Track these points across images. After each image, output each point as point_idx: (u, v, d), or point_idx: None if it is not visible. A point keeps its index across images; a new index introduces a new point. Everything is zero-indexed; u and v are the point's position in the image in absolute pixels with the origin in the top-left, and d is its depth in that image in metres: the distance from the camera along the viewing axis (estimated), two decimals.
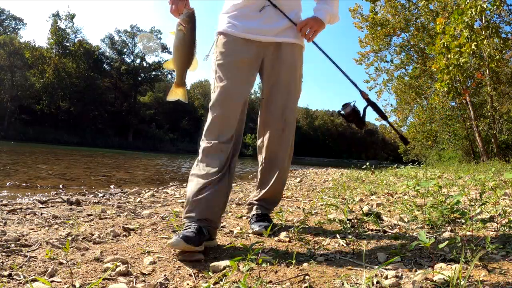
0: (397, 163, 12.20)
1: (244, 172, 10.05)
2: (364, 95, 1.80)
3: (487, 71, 10.93)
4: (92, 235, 1.78)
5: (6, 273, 1.23)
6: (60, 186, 4.62)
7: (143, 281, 1.26)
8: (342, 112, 1.79)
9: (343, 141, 75.43)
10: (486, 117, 12.78)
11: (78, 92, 39.48)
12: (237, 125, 1.76)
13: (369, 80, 16.17)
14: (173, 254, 1.53)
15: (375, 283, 1.15)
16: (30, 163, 8.58)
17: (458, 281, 1.02)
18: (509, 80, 12.38)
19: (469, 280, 1.13)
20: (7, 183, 4.54)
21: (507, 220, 1.78)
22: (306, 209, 2.66)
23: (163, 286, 1.22)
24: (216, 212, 1.67)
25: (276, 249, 1.63)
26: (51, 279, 1.22)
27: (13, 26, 46.17)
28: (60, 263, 1.37)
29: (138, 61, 47.53)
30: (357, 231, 1.91)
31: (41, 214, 2.34)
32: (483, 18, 6.97)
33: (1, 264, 1.33)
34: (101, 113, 42.13)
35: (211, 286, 1.19)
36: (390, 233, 1.87)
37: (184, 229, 1.57)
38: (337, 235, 1.82)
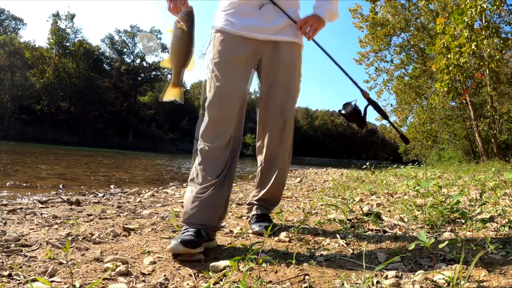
0: (397, 163, 12.19)
1: (244, 172, 10.04)
2: (365, 94, 1.77)
3: (487, 71, 10.92)
4: (92, 235, 1.78)
5: (6, 273, 1.23)
6: (60, 186, 4.63)
7: (143, 281, 1.26)
8: (343, 111, 1.76)
9: (343, 141, 75.45)
10: (486, 117, 12.78)
11: (78, 92, 39.49)
12: (236, 125, 1.74)
13: (369, 80, 16.20)
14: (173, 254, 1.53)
15: (375, 283, 1.15)
16: (30, 163, 8.58)
17: (458, 281, 1.02)
18: (509, 80, 12.38)
19: (469, 280, 1.13)
20: (7, 183, 4.54)
21: (507, 220, 1.78)
22: (306, 209, 2.66)
23: (163, 286, 1.22)
24: (216, 218, 1.65)
25: (276, 249, 1.63)
26: (51, 279, 1.22)
27: (13, 26, 46.24)
28: (60, 263, 1.37)
29: (138, 61, 47.60)
30: (357, 231, 1.91)
31: (41, 214, 2.34)
32: (483, 18, 6.97)
33: (1, 264, 1.33)
34: (101, 113, 42.13)
35: (211, 286, 1.19)
36: (390, 233, 1.87)
37: (182, 233, 1.57)
38: (337, 235, 1.82)
